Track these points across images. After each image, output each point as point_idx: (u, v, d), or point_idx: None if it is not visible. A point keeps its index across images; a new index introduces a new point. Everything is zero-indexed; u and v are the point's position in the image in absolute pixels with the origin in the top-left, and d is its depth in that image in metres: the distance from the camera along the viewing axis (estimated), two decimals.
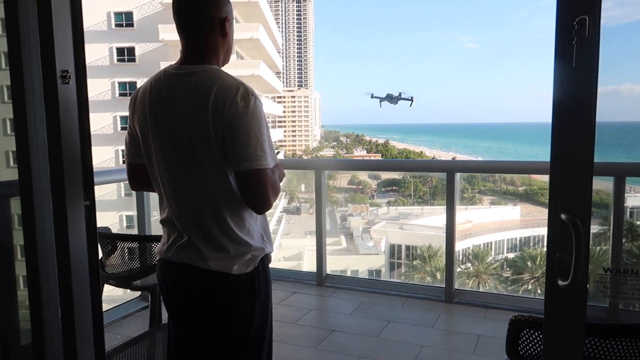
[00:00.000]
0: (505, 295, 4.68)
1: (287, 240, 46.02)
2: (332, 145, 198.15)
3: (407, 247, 49.07)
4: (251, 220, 1.81)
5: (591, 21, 1.25)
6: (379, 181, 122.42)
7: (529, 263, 44.43)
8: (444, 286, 4.50)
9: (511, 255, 54.74)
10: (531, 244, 57.68)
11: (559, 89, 1.31)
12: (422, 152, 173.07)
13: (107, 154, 34.76)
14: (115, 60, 34.33)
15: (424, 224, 53.32)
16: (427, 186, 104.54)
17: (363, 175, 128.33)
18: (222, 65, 1.87)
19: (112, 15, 33.92)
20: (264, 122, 1.71)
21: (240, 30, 34.03)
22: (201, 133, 1.67)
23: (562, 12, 1.29)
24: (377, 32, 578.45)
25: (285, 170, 2.01)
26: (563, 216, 1.32)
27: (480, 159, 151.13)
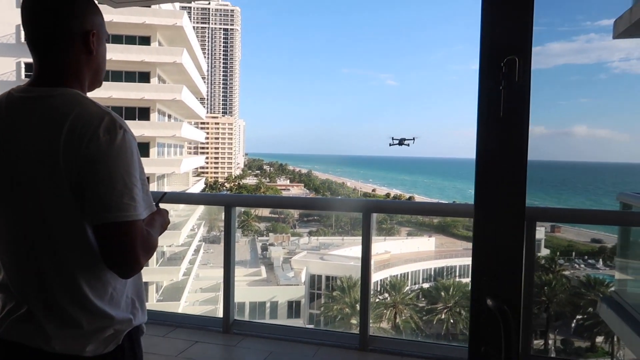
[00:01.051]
0: (422, 343, 4.61)
1: (205, 270, 44.50)
2: (256, 174, 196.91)
3: (328, 278, 49.26)
4: (116, 284, 1.44)
5: (521, 63, 1.13)
6: (301, 211, 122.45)
7: (442, 293, 46.02)
8: (358, 333, 4.34)
9: (426, 285, 56.64)
10: (445, 274, 60.11)
11: (483, 148, 1.19)
12: (343, 182, 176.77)
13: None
14: (23, 76, 31.98)
15: (345, 254, 54.00)
16: (349, 217, 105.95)
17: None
18: (89, 90, 1.55)
19: (22, 29, 31.73)
20: (135, 161, 1.38)
21: (163, 54, 33.20)
22: (49, 174, 1.32)
23: (487, 52, 1.14)
24: (303, 65, 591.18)
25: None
26: (489, 302, 1.14)
27: (396, 191, 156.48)
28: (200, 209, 46.97)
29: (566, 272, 56.32)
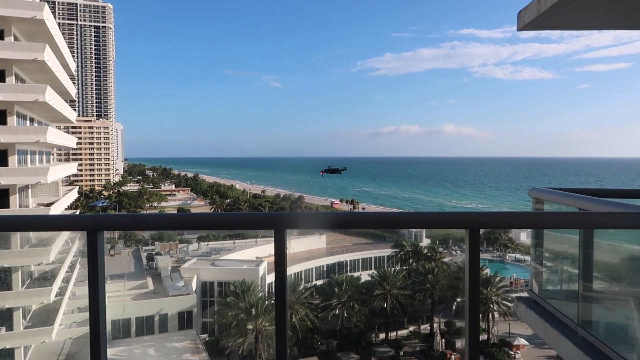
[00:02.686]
0: None
1: (83, 287, 40.56)
2: (138, 180, 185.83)
3: (220, 284, 47.70)
4: None
5: None
6: None
7: (336, 289, 46.89)
8: None
9: (320, 282, 57.42)
10: (337, 270, 61.28)
11: None
12: (232, 185, 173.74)
13: None
14: None
15: (237, 258, 52.76)
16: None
17: (172, 210, 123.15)
18: None
19: None
20: None
21: (20, 50, 29.44)
22: None
23: None
24: (184, 66, 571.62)
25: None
26: None
27: (285, 191, 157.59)
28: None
29: (446, 259, 60.82)
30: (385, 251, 60.34)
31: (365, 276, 53.24)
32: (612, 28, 4.41)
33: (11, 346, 27.97)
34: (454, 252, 65.58)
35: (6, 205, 29.74)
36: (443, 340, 46.49)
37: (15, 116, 30.93)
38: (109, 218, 2.84)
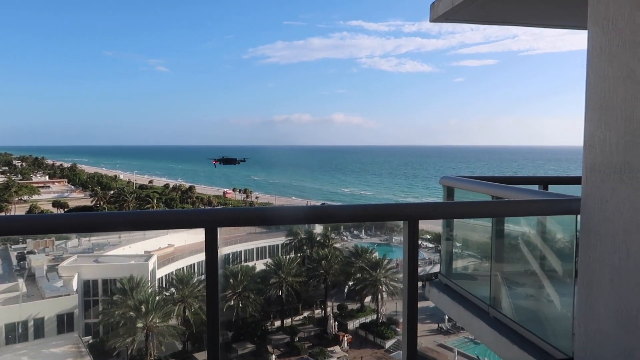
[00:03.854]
0: None
1: None
2: (3, 171, 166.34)
3: (105, 282, 44.59)
4: None
5: None
6: (66, 210, 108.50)
7: (231, 280, 46.18)
8: None
9: None
10: (231, 260, 60.35)
11: None
12: (116, 175, 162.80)
13: None
14: None
15: (123, 253, 49.63)
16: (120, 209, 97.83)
17: (45, 205, 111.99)
18: None
19: None
20: None
21: None
22: None
23: None
24: (54, 41, 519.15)
25: None
26: None
27: (176, 182, 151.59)
28: None
29: (337, 245, 62.86)
30: (280, 239, 60.68)
31: (260, 265, 53.14)
32: (521, 24, 4.66)
33: None
34: (345, 238, 68.00)
35: None
36: (336, 323, 48.10)
37: None
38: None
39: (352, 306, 52.09)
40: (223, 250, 57.62)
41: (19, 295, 37.77)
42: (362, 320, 49.56)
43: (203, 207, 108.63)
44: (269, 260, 54.00)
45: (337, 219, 2.81)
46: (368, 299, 50.97)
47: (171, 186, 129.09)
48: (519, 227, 4.02)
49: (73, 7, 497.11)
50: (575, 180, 5.59)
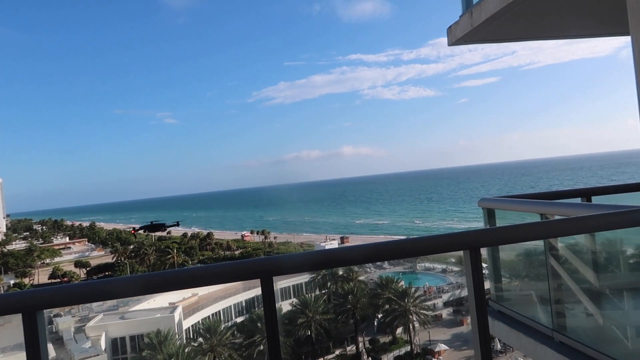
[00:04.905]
0: None
1: None
2: (24, 237, 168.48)
3: (132, 338, 44.14)
4: None
5: None
6: (88, 269, 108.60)
7: (258, 324, 45.42)
8: None
9: (240, 319, 55.32)
10: (256, 304, 59.57)
11: None
12: (134, 228, 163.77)
13: None
14: None
15: (148, 307, 49.27)
16: (145, 265, 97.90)
17: (68, 265, 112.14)
18: None
19: None
20: None
21: None
22: None
23: None
24: (65, 108, 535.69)
25: None
26: None
27: (194, 229, 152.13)
28: None
29: (362, 278, 61.88)
30: (303, 277, 59.99)
31: (286, 306, 52.35)
32: (549, 38, 4.62)
33: None
34: (368, 270, 67.01)
35: None
36: (369, 358, 46.85)
37: None
38: (49, 293, 2.25)
39: (384, 339, 50.80)
40: (246, 295, 57.06)
41: (51, 359, 37.48)
42: (396, 353, 48.22)
43: (223, 253, 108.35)
44: (294, 300, 53.21)
45: (395, 255, 2.70)
46: (400, 330, 49.73)
47: (189, 235, 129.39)
48: (573, 242, 3.84)
49: (82, 76, 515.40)
50: (621, 189, 5.43)
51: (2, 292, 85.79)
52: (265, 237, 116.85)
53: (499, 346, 43.13)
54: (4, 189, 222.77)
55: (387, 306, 50.12)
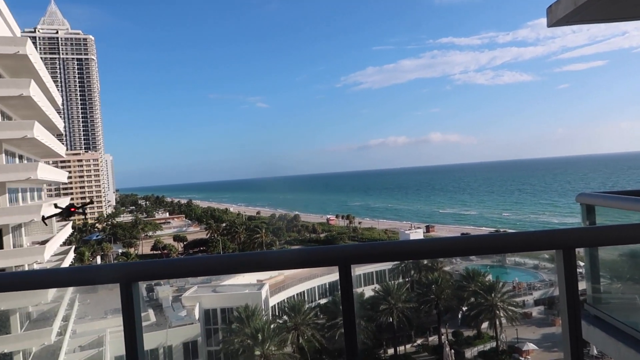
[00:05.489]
0: None
1: (84, 325, 39.52)
2: (130, 210, 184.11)
3: (223, 310, 46.75)
4: None
5: None
6: (185, 243, 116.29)
7: (341, 307, 46.02)
8: None
9: (323, 301, 56.51)
10: (339, 287, 60.27)
11: None
12: (226, 208, 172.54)
13: None
14: None
15: (237, 282, 51.87)
16: (236, 242, 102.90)
17: (168, 239, 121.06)
18: None
19: None
20: None
21: (5, 87, 29.02)
22: None
23: None
24: (170, 93, 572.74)
25: None
26: None
27: (281, 211, 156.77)
28: (71, 254, 41.86)
29: (447, 268, 60.37)
30: (386, 265, 59.82)
31: (368, 291, 52.61)
32: None
33: None
34: (454, 260, 65.16)
35: (0, 245, 29.00)
36: (452, 351, 45.81)
37: (4, 154, 30.39)
38: (144, 268, 2.45)
39: (468, 333, 49.40)
40: (330, 278, 58.07)
41: (150, 324, 40.92)
42: (481, 348, 46.72)
43: (309, 235, 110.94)
44: (377, 286, 53.28)
45: (480, 251, 2.63)
46: (485, 324, 48.06)
47: (277, 216, 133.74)
48: None
49: (179, 63, 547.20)
50: None
51: (113, 258, 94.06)
52: (350, 222, 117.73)
53: (595, 351, 40.23)
54: (115, 166, 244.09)
55: (472, 299, 48.59)
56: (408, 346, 48.82)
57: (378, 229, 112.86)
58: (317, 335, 43.13)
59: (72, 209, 28.45)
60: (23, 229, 33.06)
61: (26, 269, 27.91)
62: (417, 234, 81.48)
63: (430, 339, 50.34)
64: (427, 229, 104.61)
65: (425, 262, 56.82)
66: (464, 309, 50.40)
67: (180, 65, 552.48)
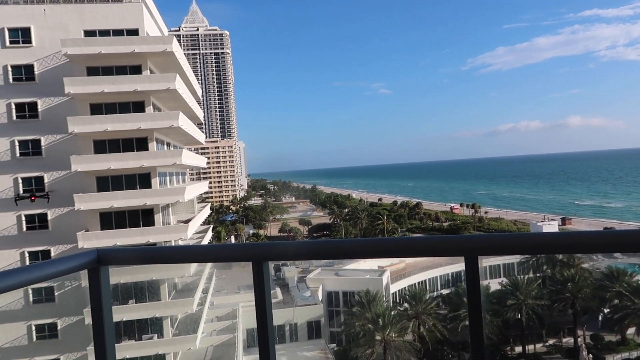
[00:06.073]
0: None
1: (220, 297, 43.32)
2: (260, 194, 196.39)
3: (345, 294, 47.95)
4: None
5: None
6: (310, 227, 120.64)
7: (464, 298, 44.40)
8: None
9: (446, 292, 55.06)
10: (463, 277, 58.54)
11: None
12: (349, 194, 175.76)
13: (7, 220, 31.03)
14: (14, 117, 31.25)
15: (359, 267, 52.74)
16: (358, 228, 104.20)
17: (294, 222, 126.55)
18: None
19: (10, 69, 31.08)
20: None
21: (155, 81, 32.51)
22: None
23: None
24: (296, 82, 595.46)
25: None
26: None
27: (402, 198, 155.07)
28: (210, 232, 45.95)
29: (585, 265, 54.97)
30: (513, 258, 56.31)
31: (494, 285, 50.06)
32: None
33: (162, 352, 30.66)
34: (594, 257, 59.14)
35: (151, 223, 32.83)
36: (590, 355, 41.87)
37: (154, 142, 34.16)
38: (274, 248, 2.60)
39: (610, 337, 44.70)
40: (453, 268, 56.33)
41: (278, 301, 43.52)
42: (625, 355, 42.06)
43: (431, 224, 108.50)
44: (504, 279, 50.50)
45: (630, 248, 2.39)
46: (631, 330, 43.07)
47: (399, 203, 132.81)
48: None
49: (307, 52, 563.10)
50: None
51: (245, 238, 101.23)
52: (476, 212, 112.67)
53: None
54: (247, 153, 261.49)
55: (616, 301, 43.78)
56: (538, 345, 45.68)
57: (506, 220, 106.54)
58: (438, 325, 42.28)
59: (33, 198, 31.53)
60: (170, 208, 37.02)
61: (172, 244, 31.33)
62: (551, 227, 75.25)
63: (564, 340, 46.52)
64: (563, 221, 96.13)
65: (561, 257, 52.34)
66: (606, 310, 45.67)
67: (305, 56, 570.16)
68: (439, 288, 54.51)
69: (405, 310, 44.45)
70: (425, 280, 54.20)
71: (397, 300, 48.91)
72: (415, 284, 52.36)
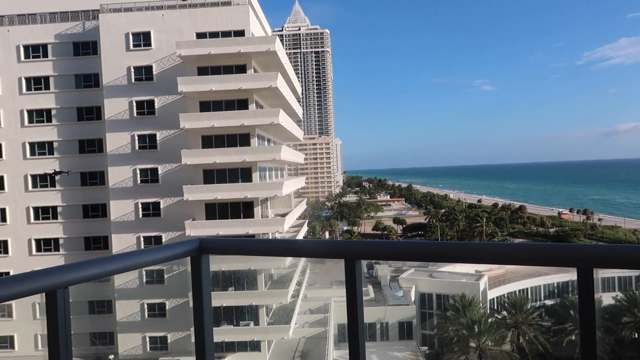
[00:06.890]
0: None
1: (313, 291, 44.26)
2: (355, 191, 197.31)
3: (439, 296, 46.60)
4: None
5: None
6: (404, 226, 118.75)
7: (571, 311, 41.29)
8: None
9: (549, 302, 51.29)
10: (570, 289, 54.24)
11: None
12: (446, 194, 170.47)
13: (127, 207, 34.24)
14: (135, 114, 34.37)
15: (455, 270, 50.98)
16: (454, 230, 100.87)
17: (388, 221, 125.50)
18: None
19: (132, 70, 34.21)
20: None
21: (259, 80, 33.92)
22: None
23: None
24: (394, 79, 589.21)
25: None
26: None
27: (504, 200, 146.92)
28: (305, 227, 47.06)
29: None
30: (632, 271, 50.95)
31: (607, 298, 45.75)
32: None
33: (258, 339, 32.06)
34: None
35: (251, 215, 34.41)
36: None
37: (256, 138, 35.69)
38: (367, 247, 2.57)
39: None
40: (559, 277, 52.40)
41: (369, 299, 43.52)
42: None
43: (535, 229, 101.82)
44: (619, 294, 45.96)
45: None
46: None
47: (500, 205, 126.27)
48: None
49: (400, 49, 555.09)
50: None
51: (339, 234, 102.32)
52: (588, 218, 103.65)
53: None
54: (343, 150, 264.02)
55: None
56: None
57: (624, 229, 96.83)
58: (540, 337, 39.56)
59: (53, 175, 34.86)
60: (269, 202, 38.50)
61: (269, 237, 32.59)
62: None
63: None
64: None
65: None
66: None
67: (406, 49, 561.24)
68: (542, 298, 51.01)
69: (504, 318, 42.14)
70: (527, 289, 51.03)
71: (495, 307, 46.54)
72: (515, 291, 49.45)
